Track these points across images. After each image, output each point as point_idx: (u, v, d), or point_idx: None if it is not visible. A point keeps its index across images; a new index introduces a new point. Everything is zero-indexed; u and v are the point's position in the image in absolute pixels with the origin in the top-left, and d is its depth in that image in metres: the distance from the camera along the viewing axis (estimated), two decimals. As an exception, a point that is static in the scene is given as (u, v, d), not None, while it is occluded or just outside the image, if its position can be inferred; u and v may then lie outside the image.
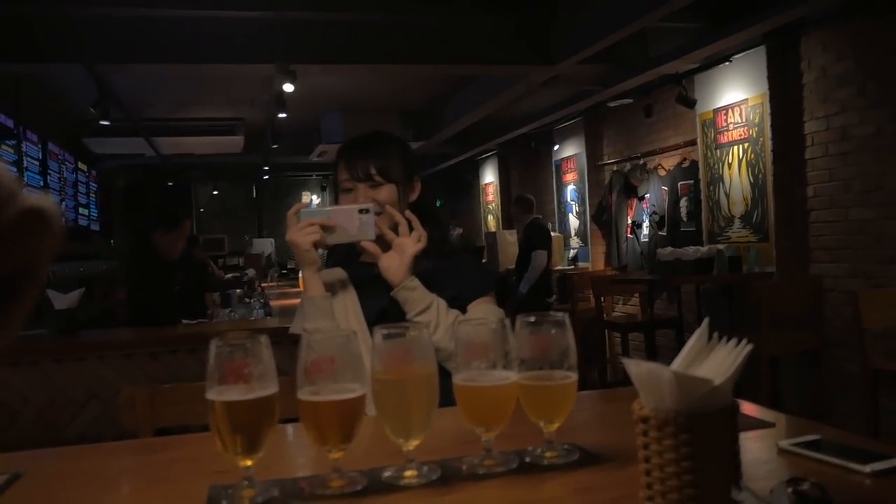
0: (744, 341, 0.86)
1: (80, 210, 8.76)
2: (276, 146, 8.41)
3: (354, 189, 1.73)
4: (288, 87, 5.16)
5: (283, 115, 6.18)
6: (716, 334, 0.89)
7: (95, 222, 9.54)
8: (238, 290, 6.28)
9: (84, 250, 8.34)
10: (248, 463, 0.98)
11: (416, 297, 1.64)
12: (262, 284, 7.58)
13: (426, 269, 1.72)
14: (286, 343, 1.41)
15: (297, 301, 1.78)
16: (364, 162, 1.73)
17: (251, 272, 7.89)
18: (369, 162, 1.73)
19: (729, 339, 0.88)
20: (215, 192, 13.18)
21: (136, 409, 1.80)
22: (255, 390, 0.97)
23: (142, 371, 3.18)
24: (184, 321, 3.91)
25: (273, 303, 5.60)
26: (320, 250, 1.66)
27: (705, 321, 0.89)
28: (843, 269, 4.65)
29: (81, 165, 8.92)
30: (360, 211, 1.57)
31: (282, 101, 5.59)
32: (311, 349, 1.00)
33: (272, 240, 12.43)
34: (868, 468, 0.95)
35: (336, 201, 1.80)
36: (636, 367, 0.83)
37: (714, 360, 0.86)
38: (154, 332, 3.47)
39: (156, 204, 7.70)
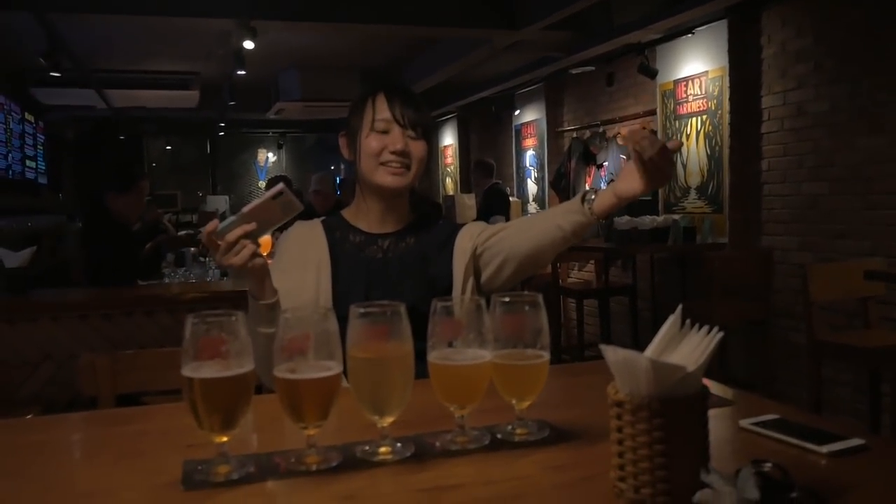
0: (715, 329, 0.89)
1: (27, 163, 8.49)
2: (233, 102, 8.24)
3: (389, 131, 1.63)
4: (248, 45, 5.04)
5: (242, 73, 6.05)
6: (688, 321, 0.91)
7: (43, 175, 9.25)
8: (192, 249, 6.18)
9: (31, 204, 8.12)
10: (224, 439, 0.99)
11: None
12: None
13: (410, 248, 1.71)
14: (244, 306, 1.40)
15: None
16: (410, 111, 1.64)
17: (205, 230, 7.75)
18: (416, 113, 1.65)
19: (701, 327, 0.90)
20: (168, 147, 12.88)
21: (97, 375, 1.78)
22: (232, 367, 0.97)
23: (97, 333, 3.14)
24: (139, 282, 3.85)
25: (229, 263, 5.52)
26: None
27: (679, 308, 0.92)
28: (793, 243, 4.77)
29: (28, 116, 8.61)
30: (275, 197, 1.37)
31: (241, 57, 5.47)
32: (289, 327, 1.01)
33: (226, 197, 12.22)
34: (825, 449, 1.00)
35: (351, 142, 1.70)
36: (613, 354, 0.85)
37: (686, 347, 0.89)
38: (109, 294, 3.40)
39: (109, 164, 7.40)
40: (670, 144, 1.35)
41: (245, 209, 1.35)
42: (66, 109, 9.77)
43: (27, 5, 4.82)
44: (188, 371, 0.97)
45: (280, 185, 1.38)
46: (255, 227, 1.36)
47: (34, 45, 5.78)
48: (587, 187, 7.19)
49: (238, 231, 1.33)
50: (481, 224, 1.76)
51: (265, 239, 1.82)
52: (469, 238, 1.70)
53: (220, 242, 1.34)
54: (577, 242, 1.58)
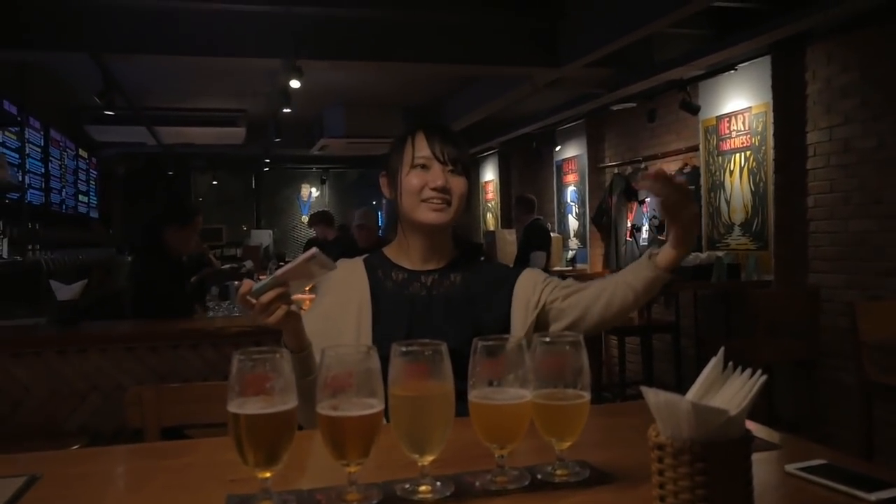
0: (758, 372, 0.88)
1: (80, 197, 8.76)
2: (278, 139, 8.42)
3: (430, 167, 1.65)
4: (294, 84, 5.16)
5: (288, 110, 6.18)
6: (731, 364, 0.90)
7: (94, 210, 9.53)
8: (236, 283, 6.28)
9: (82, 237, 8.35)
10: (267, 475, 1.00)
11: None
12: (261, 277, 7.57)
13: (456, 286, 1.68)
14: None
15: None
16: (450, 147, 1.66)
17: (249, 264, 7.87)
18: (455, 149, 1.66)
19: (744, 370, 0.90)
20: (214, 182, 13.17)
21: (143, 408, 1.82)
22: (277, 404, 0.99)
23: (143, 365, 3.20)
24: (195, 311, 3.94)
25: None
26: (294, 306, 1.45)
27: (721, 351, 0.91)
28: (840, 280, 4.68)
29: (82, 152, 8.91)
30: (309, 259, 1.38)
31: (287, 96, 5.59)
32: (331, 365, 1.02)
33: (270, 231, 12.42)
34: (874, 497, 0.97)
35: (392, 181, 1.70)
36: (654, 397, 0.85)
37: (729, 391, 0.88)
38: (156, 327, 3.47)
39: (167, 199, 7.58)
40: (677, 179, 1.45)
41: (279, 272, 1.38)
42: (117, 146, 10.08)
43: (84, 47, 5.01)
44: (234, 407, 0.99)
45: (313, 250, 1.40)
46: (288, 289, 1.39)
47: (90, 84, 5.99)
48: (629, 223, 7.15)
49: (271, 294, 1.35)
50: (541, 274, 1.74)
51: None
52: (531, 289, 1.67)
53: (254, 302, 1.36)
54: (649, 300, 1.60)
